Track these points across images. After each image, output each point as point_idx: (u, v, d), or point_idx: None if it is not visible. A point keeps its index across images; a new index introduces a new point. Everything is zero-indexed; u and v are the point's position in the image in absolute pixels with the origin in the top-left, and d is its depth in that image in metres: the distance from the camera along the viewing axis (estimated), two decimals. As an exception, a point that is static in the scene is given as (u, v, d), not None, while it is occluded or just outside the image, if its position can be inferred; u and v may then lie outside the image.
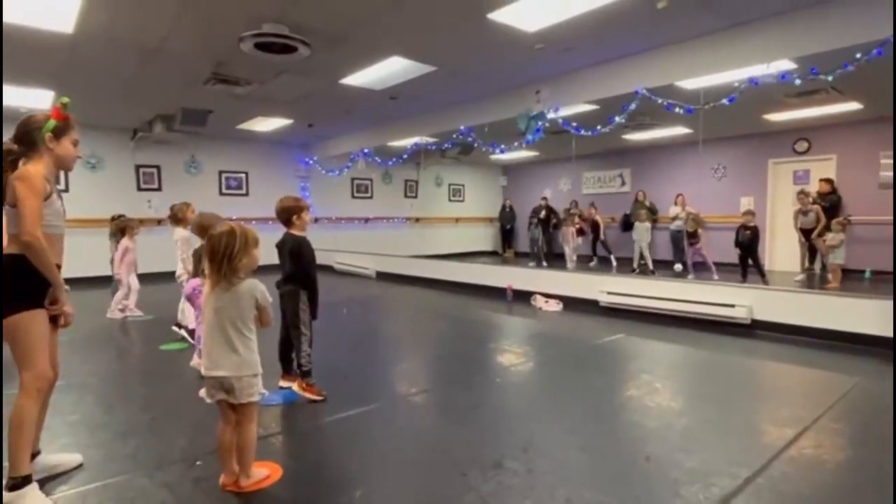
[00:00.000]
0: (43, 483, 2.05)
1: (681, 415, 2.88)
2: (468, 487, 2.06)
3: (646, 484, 2.10)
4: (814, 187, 8.42)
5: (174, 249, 4.37)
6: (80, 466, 2.24)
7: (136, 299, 5.80)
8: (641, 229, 9.03)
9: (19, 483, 1.89)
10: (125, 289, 5.72)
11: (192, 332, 4.23)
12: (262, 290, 2.07)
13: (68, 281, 2.17)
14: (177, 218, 4.46)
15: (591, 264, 10.30)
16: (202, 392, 2.07)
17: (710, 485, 2.07)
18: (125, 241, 5.65)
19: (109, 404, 3.05)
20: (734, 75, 4.81)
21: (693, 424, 2.73)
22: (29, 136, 2.02)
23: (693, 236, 8.29)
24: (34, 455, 2.09)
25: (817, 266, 8.17)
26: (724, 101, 4.86)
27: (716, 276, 7.70)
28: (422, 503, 1.97)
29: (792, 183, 9.16)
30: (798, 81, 4.44)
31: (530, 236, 10.90)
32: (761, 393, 3.35)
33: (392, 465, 2.32)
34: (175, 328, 4.55)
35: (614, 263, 9.95)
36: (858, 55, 3.96)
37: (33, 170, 1.96)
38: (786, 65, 4.62)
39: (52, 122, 2.02)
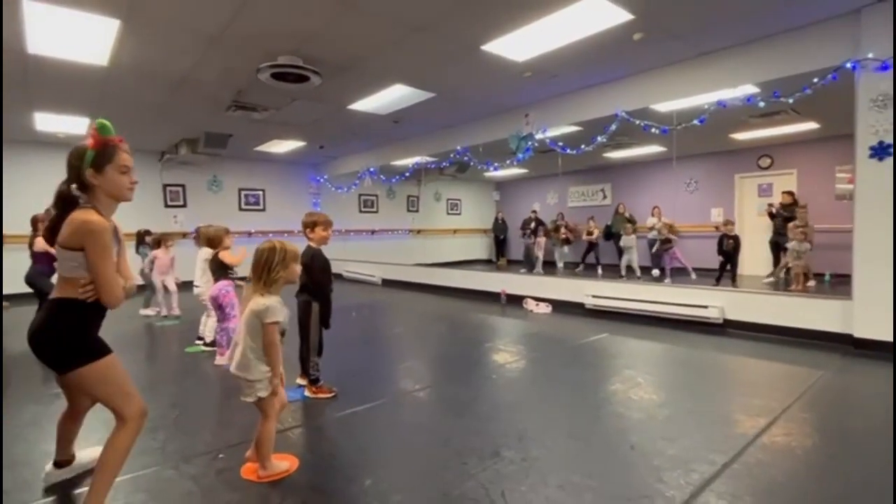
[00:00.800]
0: (81, 478, 2.03)
1: (661, 406, 2.86)
2: (469, 475, 2.04)
3: (631, 470, 2.08)
4: (777, 199, 8.45)
5: (198, 266, 4.37)
6: None
7: (175, 300, 5.87)
8: (629, 241, 9.00)
9: None
10: (160, 291, 5.84)
11: (211, 344, 4.15)
12: (266, 307, 2.00)
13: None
14: (212, 243, 4.08)
15: (577, 270, 10.27)
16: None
17: (690, 471, 2.05)
18: (156, 252, 5.79)
19: (139, 402, 3.02)
20: (704, 98, 4.85)
21: (673, 415, 2.71)
22: (77, 175, 1.67)
23: (667, 242, 8.32)
24: (68, 461, 2.04)
25: (781, 272, 8.19)
26: (696, 121, 4.89)
27: (693, 276, 7.72)
28: (426, 490, 1.95)
29: (757, 195, 9.19)
30: (762, 104, 4.47)
31: (525, 244, 10.84)
32: (734, 385, 3.34)
33: (398, 456, 2.29)
34: (198, 342, 4.38)
35: (600, 272, 9.88)
36: (816, 80, 4.00)
37: (99, 222, 1.61)
38: (750, 89, 4.66)
39: (89, 154, 1.64)
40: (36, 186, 7.79)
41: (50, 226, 1.70)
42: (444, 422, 2.67)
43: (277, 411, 2.12)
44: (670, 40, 4.35)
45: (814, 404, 2.86)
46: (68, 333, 1.65)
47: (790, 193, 8.23)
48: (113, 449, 1.69)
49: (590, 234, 10.37)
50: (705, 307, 4.82)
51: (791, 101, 4.25)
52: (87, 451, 2.14)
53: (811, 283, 7.06)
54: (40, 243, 4.56)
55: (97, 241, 1.60)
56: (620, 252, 10.17)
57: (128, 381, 1.77)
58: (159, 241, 5.87)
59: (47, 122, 6.59)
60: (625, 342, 4.53)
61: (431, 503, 1.85)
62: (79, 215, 1.62)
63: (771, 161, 8.92)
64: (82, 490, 1.95)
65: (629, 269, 8.94)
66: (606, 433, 2.49)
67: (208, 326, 4.25)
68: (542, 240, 10.13)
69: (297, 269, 2.13)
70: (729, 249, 7.30)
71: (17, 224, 7.54)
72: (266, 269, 2.05)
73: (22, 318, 5.13)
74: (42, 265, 4.53)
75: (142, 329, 5.38)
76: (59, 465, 2.02)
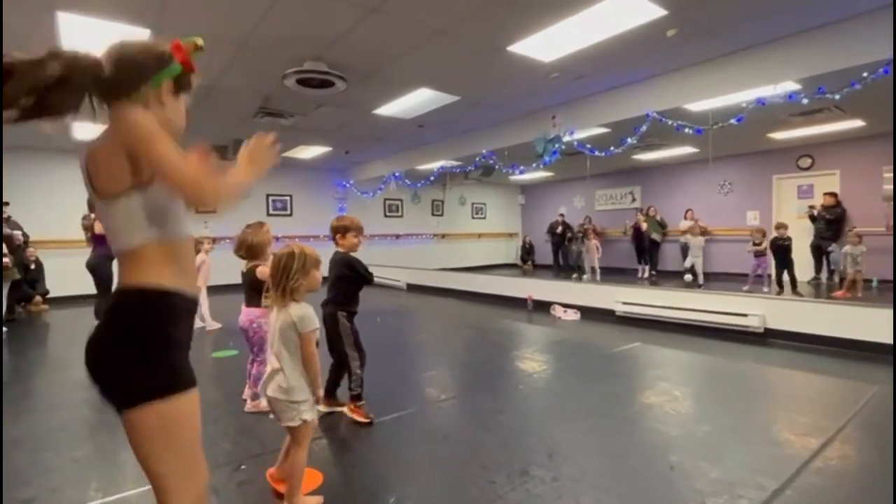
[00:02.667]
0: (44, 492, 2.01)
1: (701, 422, 2.69)
2: (496, 495, 1.94)
3: (671, 493, 1.93)
4: (818, 201, 8.05)
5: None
6: None
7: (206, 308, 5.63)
8: (696, 244, 8.37)
9: None
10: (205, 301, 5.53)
11: None
12: (302, 316, 1.83)
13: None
14: (253, 254, 3.95)
15: (686, 278, 8.81)
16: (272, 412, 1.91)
17: (738, 496, 1.89)
18: (200, 256, 5.47)
19: (165, 408, 3.01)
20: (742, 97, 4.61)
21: (714, 432, 2.53)
22: (131, 68, 1.09)
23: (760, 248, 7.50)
24: None
25: (823, 276, 7.78)
26: (733, 120, 4.66)
27: (765, 290, 7.23)
28: (452, 510, 1.85)
29: (796, 197, 8.77)
30: (805, 101, 4.22)
31: (576, 249, 10.46)
32: (779, 401, 3.12)
33: (423, 471, 2.20)
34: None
35: (645, 275, 9.42)
36: (865, 74, 3.74)
37: (137, 110, 1.06)
38: (791, 86, 4.41)
39: (177, 66, 1.15)
40: (75, 195, 8.08)
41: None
42: (470, 434, 2.57)
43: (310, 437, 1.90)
44: (705, 36, 4.15)
45: (870, 423, 2.64)
46: (142, 343, 1.06)
47: (833, 195, 7.82)
48: None
49: (597, 235, 9.94)
50: (745, 315, 4.58)
51: (837, 97, 4.00)
52: None
53: (857, 290, 6.65)
54: (101, 226, 4.55)
55: (147, 126, 1.02)
56: (651, 256, 9.86)
57: (198, 441, 1.15)
58: (197, 247, 5.47)
59: (85, 131, 6.80)
60: (659, 352, 4.34)
61: (457, 525, 1.75)
62: (110, 125, 1.08)
63: (812, 161, 8.50)
64: None
65: (691, 271, 8.29)
66: (643, 451, 2.34)
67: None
68: (594, 243, 9.29)
69: (319, 276, 1.93)
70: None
71: (59, 230, 7.84)
72: (285, 277, 1.85)
73: (56, 320, 5.24)
74: (105, 247, 4.33)
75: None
76: None
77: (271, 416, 1.90)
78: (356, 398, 2.76)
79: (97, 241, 4.62)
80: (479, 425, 2.68)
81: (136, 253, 1.06)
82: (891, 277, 7.01)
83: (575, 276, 9.43)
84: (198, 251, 5.50)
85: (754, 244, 7.30)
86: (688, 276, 8.52)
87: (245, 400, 3.00)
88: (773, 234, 7.23)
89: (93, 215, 4.68)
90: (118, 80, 1.07)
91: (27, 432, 2.66)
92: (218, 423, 2.77)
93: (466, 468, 2.18)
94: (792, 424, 2.60)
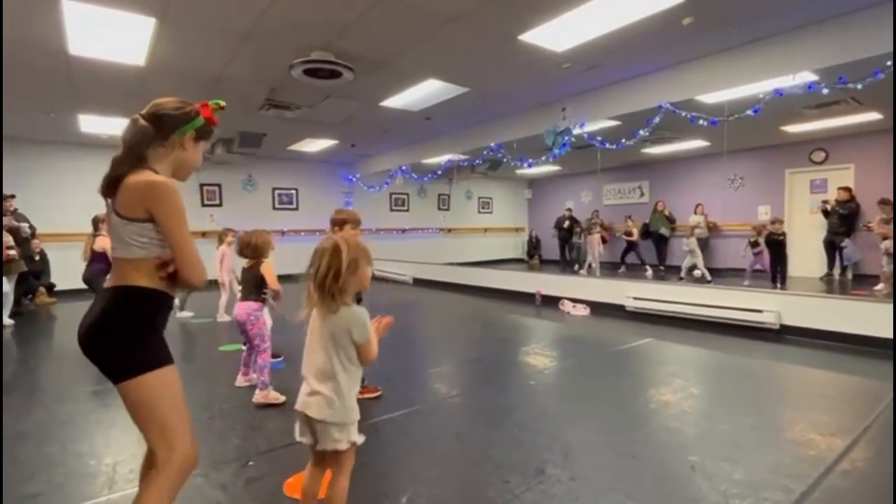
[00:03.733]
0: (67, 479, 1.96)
1: (719, 421, 2.61)
2: (512, 495, 1.87)
3: (694, 496, 1.86)
4: (832, 196, 7.91)
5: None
6: None
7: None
8: (692, 244, 8.13)
9: None
10: (228, 293, 5.48)
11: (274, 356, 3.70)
12: (360, 323, 1.52)
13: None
14: (256, 252, 4.12)
15: (620, 271, 9.85)
16: (296, 428, 1.58)
17: (763, 499, 1.82)
18: (223, 248, 5.45)
19: (172, 402, 2.97)
20: (758, 87, 4.49)
21: (734, 431, 2.46)
22: (162, 122, 1.42)
23: (755, 245, 7.52)
24: None
25: (836, 272, 7.66)
26: (749, 112, 4.54)
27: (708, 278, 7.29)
28: (467, 511, 1.79)
29: (808, 192, 8.62)
30: (825, 91, 4.10)
31: (575, 243, 10.42)
32: (799, 399, 3.03)
33: (436, 469, 2.14)
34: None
35: (649, 272, 9.29)
36: (889, 63, 3.62)
37: (170, 183, 1.36)
38: (809, 76, 4.28)
39: (200, 121, 1.49)
40: (81, 187, 8.06)
41: (112, 176, 1.35)
42: (482, 432, 2.50)
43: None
44: (722, 25, 4.03)
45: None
46: (130, 329, 1.31)
47: (847, 189, 7.69)
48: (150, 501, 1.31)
49: (628, 234, 9.96)
50: (760, 311, 4.48)
51: (859, 87, 3.87)
52: None
53: (880, 286, 6.49)
54: (101, 242, 4.63)
55: (173, 205, 1.31)
56: (658, 251, 9.75)
57: (182, 407, 1.38)
58: (221, 238, 5.45)
59: (91, 124, 6.76)
60: (672, 348, 4.25)
61: (473, 526, 1.69)
62: (142, 177, 1.32)
63: (825, 155, 8.34)
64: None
65: (690, 272, 8.03)
66: (661, 450, 2.27)
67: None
68: (596, 237, 9.12)
69: (370, 272, 1.61)
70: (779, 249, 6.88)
71: (66, 223, 7.82)
72: (332, 276, 1.49)
73: (63, 313, 5.22)
74: (102, 264, 4.56)
75: (177, 330, 5.42)
76: None
77: (303, 439, 1.56)
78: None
79: (94, 257, 4.71)
80: (490, 423, 2.62)
81: (136, 262, 1.33)
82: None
83: (576, 267, 9.34)
84: (221, 242, 5.49)
85: (751, 240, 7.42)
86: (696, 272, 8.39)
87: (241, 388, 3.13)
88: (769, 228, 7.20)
89: (101, 233, 4.71)
90: (158, 131, 1.41)
91: (33, 425, 2.62)
92: (226, 417, 2.73)
93: (480, 466, 2.12)
94: (814, 424, 2.51)
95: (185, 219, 1.34)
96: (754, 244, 7.49)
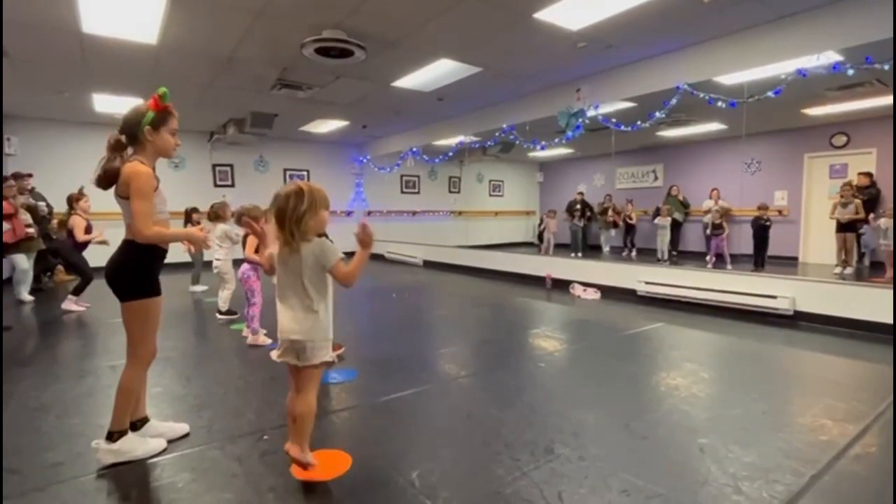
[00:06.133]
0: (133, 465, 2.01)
1: (730, 405, 2.60)
2: (521, 472, 1.89)
3: (703, 477, 1.87)
4: (852, 181, 7.72)
5: (214, 243, 4.50)
6: (186, 435, 2.20)
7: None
8: (664, 223, 8.95)
9: (119, 434, 1.96)
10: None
11: (228, 313, 4.63)
12: (322, 249, 1.75)
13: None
14: (218, 216, 4.63)
15: (624, 254, 9.84)
16: (273, 353, 1.87)
17: (773, 481, 1.82)
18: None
19: (187, 378, 3.04)
20: (780, 68, 4.36)
21: (745, 415, 2.45)
22: (130, 128, 1.93)
23: (718, 228, 7.77)
24: (143, 421, 2.13)
25: (853, 259, 7.52)
26: (770, 93, 4.42)
27: (729, 267, 7.29)
28: (476, 487, 1.81)
29: (828, 177, 8.41)
30: (851, 72, 3.97)
31: (572, 228, 10.48)
32: (812, 385, 3.01)
33: (446, 446, 2.17)
34: (218, 315, 4.66)
35: (634, 254, 9.55)
36: (920, 42, 3.49)
37: (143, 169, 1.89)
38: (832, 56, 4.15)
39: (150, 114, 1.92)
40: (93, 166, 8.13)
41: (102, 174, 1.94)
42: (492, 411, 2.53)
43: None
44: (745, 3, 3.91)
45: (911, 410, 2.52)
46: (136, 267, 1.94)
47: (868, 175, 7.50)
48: (124, 381, 1.99)
49: (629, 218, 9.93)
50: (774, 297, 4.43)
51: (887, 67, 3.75)
52: (164, 424, 2.21)
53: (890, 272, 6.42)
54: (75, 222, 5.16)
55: (138, 183, 1.86)
56: (672, 236, 9.67)
57: (157, 326, 2.05)
58: (241, 217, 5.67)
59: (105, 103, 6.79)
60: (684, 333, 4.23)
61: (481, 502, 1.72)
62: (127, 167, 1.89)
63: (847, 139, 8.12)
64: (132, 469, 1.93)
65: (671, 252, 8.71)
66: (671, 432, 2.27)
67: (222, 298, 4.65)
68: (552, 221, 10.32)
69: (327, 216, 1.80)
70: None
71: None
72: (293, 217, 1.69)
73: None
74: (70, 239, 5.19)
75: (190, 305, 5.51)
76: (133, 426, 2.07)
77: (285, 359, 1.81)
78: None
79: (69, 234, 5.23)
80: (501, 402, 2.64)
81: (130, 226, 1.93)
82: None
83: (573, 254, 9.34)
84: (239, 220, 5.58)
85: (713, 224, 7.75)
86: (708, 257, 8.33)
87: (253, 365, 3.33)
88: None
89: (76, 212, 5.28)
90: (128, 137, 1.97)
91: (55, 398, 2.69)
92: (240, 393, 2.78)
93: (489, 445, 2.14)
94: (827, 409, 2.50)
95: (145, 193, 1.87)
96: (717, 227, 7.56)
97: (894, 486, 1.75)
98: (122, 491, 1.82)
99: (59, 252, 5.25)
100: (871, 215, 6.87)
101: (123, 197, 1.89)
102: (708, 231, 8.18)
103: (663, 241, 8.89)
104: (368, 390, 2.84)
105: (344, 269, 1.79)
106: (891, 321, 3.87)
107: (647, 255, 9.51)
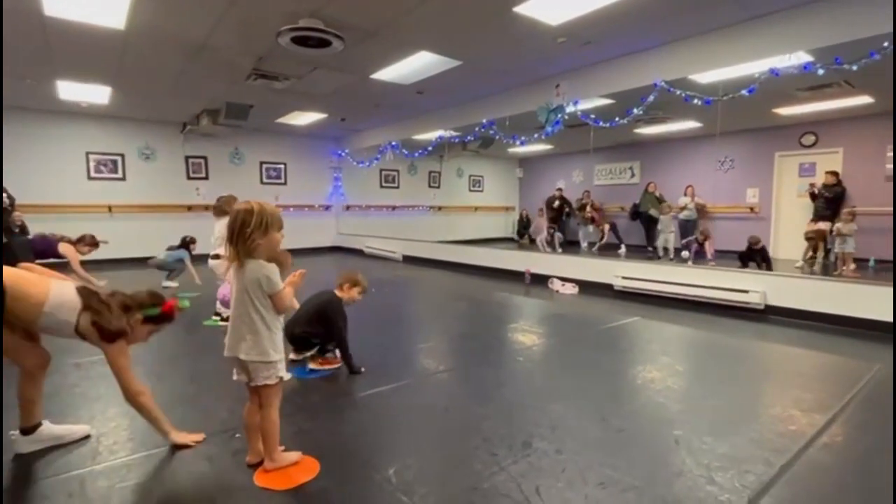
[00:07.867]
0: (49, 451, 1.95)
1: (704, 397, 2.66)
2: (499, 467, 1.89)
3: (677, 468, 1.89)
4: (819, 180, 7.97)
5: (215, 239, 4.21)
6: (86, 438, 2.12)
7: None
8: (666, 222, 8.80)
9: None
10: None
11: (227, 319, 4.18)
12: (266, 276, 1.73)
13: (121, 261, 2.09)
14: (223, 210, 4.13)
15: (620, 252, 9.76)
16: (235, 371, 1.87)
17: (745, 472, 1.85)
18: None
19: (159, 376, 2.94)
20: (754, 67, 4.45)
21: (718, 407, 2.50)
22: (128, 308, 1.97)
23: (703, 235, 7.79)
24: (36, 427, 2.02)
25: (819, 255, 7.76)
26: (744, 91, 4.51)
27: (712, 263, 7.45)
28: (453, 482, 1.80)
29: (797, 175, 8.67)
30: (821, 72, 4.07)
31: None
32: (782, 378, 3.09)
33: (423, 442, 2.15)
34: (215, 317, 4.39)
35: (623, 251, 9.58)
36: (886, 44, 3.60)
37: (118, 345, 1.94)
38: (803, 56, 4.25)
39: (156, 310, 2.00)
40: (62, 157, 7.82)
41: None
42: (470, 406, 2.52)
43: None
44: (721, 2, 3.97)
45: (874, 401, 2.61)
46: None
47: (834, 174, 7.74)
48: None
49: (596, 210, 10.20)
50: (746, 292, 4.54)
51: (854, 67, 3.85)
52: (59, 427, 2.12)
53: (852, 266, 6.66)
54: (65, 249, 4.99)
55: (113, 351, 2.01)
56: (648, 232, 9.80)
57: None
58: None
59: (70, 90, 6.52)
60: (658, 326, 4.30)
61: (459, 498, 1.70)
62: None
63: (815, 139, 8.37)
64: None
65: (665, 250, 8.71)
66: (647, 425, 2.30)
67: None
68: (541, 220, 10.20)
69: (279, 238, 1.77)
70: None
71: (48, 194, 7.61)
72: (242, 235, 1.69)
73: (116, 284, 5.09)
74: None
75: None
76: (24, 431, 2.01)
77: (240, 377, 1.84)
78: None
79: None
80: (479, 397, 2.63)
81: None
82: (887, 257, 7.01)
83: (548, 249, 9.44)
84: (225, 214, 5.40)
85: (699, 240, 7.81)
86: (684, 254, 8.49)
87: (225, 362, 3.25)
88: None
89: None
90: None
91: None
92: (212, 391, 2.71)
93: (467, 439, 2.13)
94: (796, 401, 2.56)
95: (127, 355, 1.98)
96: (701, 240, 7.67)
97: (894, 485, 1.78)
98: (87, 491, 1.75)
99: (10, 246, 5.02)
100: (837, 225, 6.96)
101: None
102: (684, 240, 8.27)
103: (666, 241, 8.75)
104: (346, 386, 2.80)
105: (282, 298, 1.77)
106: (855, 314, 4.01)
107: (632, 251, 9.63)
